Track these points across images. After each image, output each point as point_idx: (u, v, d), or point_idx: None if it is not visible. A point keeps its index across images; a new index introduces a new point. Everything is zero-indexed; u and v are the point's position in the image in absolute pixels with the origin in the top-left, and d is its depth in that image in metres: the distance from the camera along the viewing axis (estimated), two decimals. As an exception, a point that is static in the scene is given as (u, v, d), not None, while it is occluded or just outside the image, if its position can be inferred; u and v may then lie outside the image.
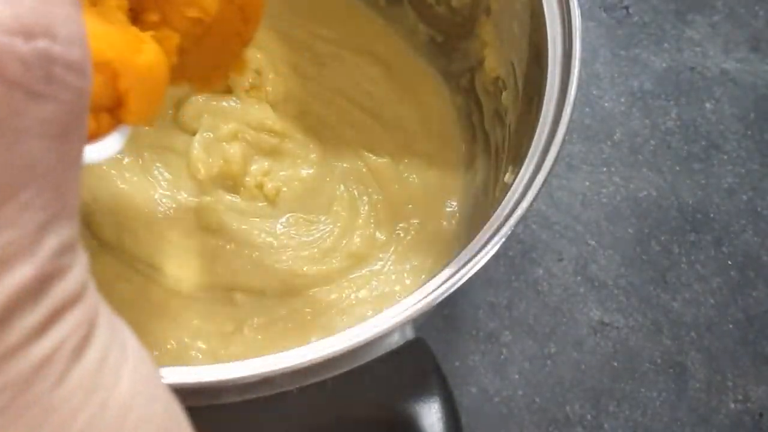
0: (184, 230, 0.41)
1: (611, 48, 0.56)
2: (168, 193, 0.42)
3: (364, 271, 0.42)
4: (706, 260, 0.50)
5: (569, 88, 0.33)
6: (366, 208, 0.44)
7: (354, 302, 0.41)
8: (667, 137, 0.53)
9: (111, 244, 0.41)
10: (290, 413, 0.31)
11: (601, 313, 0.48)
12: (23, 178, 0.14)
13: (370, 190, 0.45)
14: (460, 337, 0.47)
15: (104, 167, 0.43)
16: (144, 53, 0.26)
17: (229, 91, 0.45)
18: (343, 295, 0.41)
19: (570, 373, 0.46)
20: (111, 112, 0.26)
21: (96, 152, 0.25)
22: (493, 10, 0.42)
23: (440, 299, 0.29)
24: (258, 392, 0.30)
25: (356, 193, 0.45)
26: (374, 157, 0.45)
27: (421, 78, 0.48)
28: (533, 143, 0.32)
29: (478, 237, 0.30)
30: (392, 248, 0.43)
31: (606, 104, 0.54)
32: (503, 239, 0.30)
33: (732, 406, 0.46)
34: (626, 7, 0.58)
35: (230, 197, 0.43)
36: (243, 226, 0.42)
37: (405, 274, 0.42)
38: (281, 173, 0.44)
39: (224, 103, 0.44)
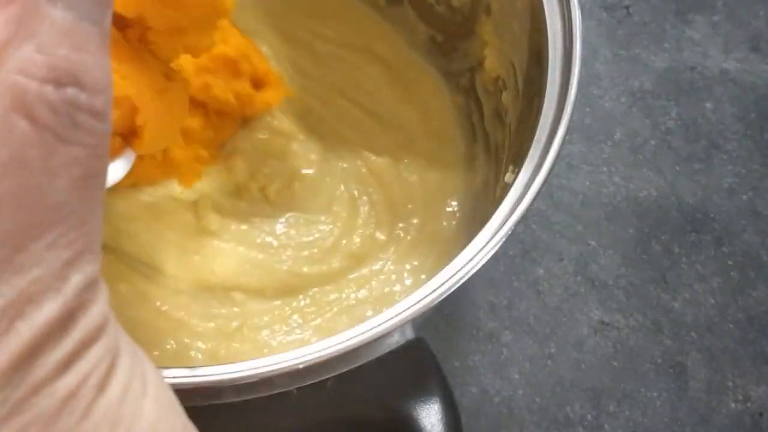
0: (183, 230, 0.41)
1: (611, 48, 0.56)
2: (166, 192, 0.42)
3: (364, 271, 0.42)
4: (707, 260, 0.50)
5: (569, 87, 0.33)
6: (366, 208, 0.44)
7: (354, 302, 0.41)
8: (667, 137, 0.53)
9: (109, 245, 0.41)
10: (290, 413, 0.31)
11: (602, 312, 0.48)
12: (51, 218, 0.15)
13: (370, 190, 0.45)
14: (460, 337, 0.47)
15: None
16: (167, 92, 0.27)
17: None
18: (343, 295, 0.41)
19: (570, 373, 0.46)
20: (124, 137, 0.27)
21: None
22: (493, 10, 0.42)
23: (440, 299, 0.29)
24: (258, 392, 0.30)
25: (356, 193, 0.44)
26: (374, 157, 0.45)
27: (421, 78, 0.47)
28: (533, 143, 0.32)
29: (478, 237, 0.30)
30: (392, 248, 0.43)
31: (606, 104, 0.54)
32: (503, 239, 0.30)
33: (732, 406, 0.46)
34: (626, 7, 0.58)
35: (230, 197, 0.43)
36: (243, 226, 0.42)
37: (405, 274, 0.42)
38: (281, 173, 0.44)
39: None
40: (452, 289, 0.29)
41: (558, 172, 0.51)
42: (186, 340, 0.39)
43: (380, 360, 0.31)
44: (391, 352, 0.31)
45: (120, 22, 0.27)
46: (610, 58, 0.56)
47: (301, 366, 0.27)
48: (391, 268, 0.42)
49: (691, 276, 0.49)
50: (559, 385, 0.46)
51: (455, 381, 0.45)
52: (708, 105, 0.55)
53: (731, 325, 0.48)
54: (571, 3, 0.34)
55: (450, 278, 0.29)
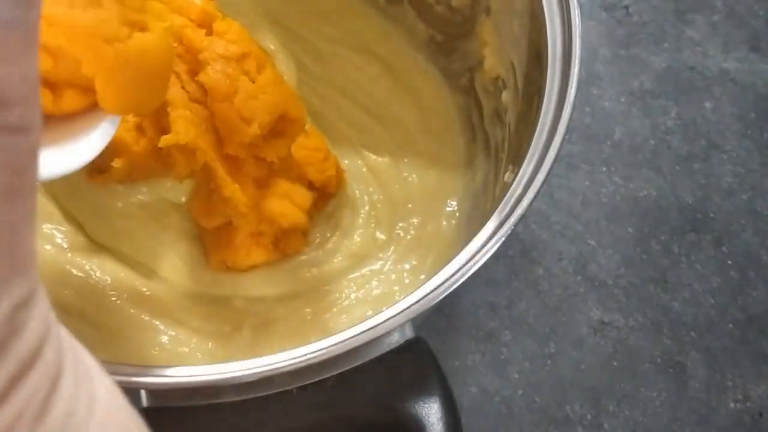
0: (183, 231, 0.41)
1: (611, 48, 0.56)
2: (162, 193, 0.42)
3: (364, 271, 0.42)
4: (706, 260, 0.50)
5: (569, 87, 0.33)
6: (366, 207, 0.44)
7: (354, 302, 0.41)
8: (667, 137, 0.53)
9: (108, 247, 0.41)
10: (290, 413, 0.31)
11: (601, 312, 0.48)
12: None
13: (370, 189, 0.45)
14: (460, 337, 0.47)
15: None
16: (133, 40, 0.24)
17: None
18: (343, 295, 0.41)
19: (570, 372, 0.46)
20: (86, 93, 0.25)
21: (76, 156, 0.24)
22: (493, 10, 0.42)
23: (440, 299, 0.29)
24: (257, 392, 0.30)
25: (356, 193, 0.44)
26: (374, 157, 0.45)
27: (421, 77, 0.47)
28: (533, 143, 0.32)
29: (478, 237, 0.30)
30: (392, 248, 0.43)
31: (606, 104, 0.54)
32: (503, 239, 0.30)
33: (732, 405, 0.46)
34: (626, 7, 0.58)
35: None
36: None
37: (405, 274, 0.42)
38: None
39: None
40: (451, 289, 0.29)
41: (557, 172, 0.51)
42: (185, 340, 0.39)
43: (380, 359, 0.31)
44: (390, 352, 0.31)
45: None
46: (610, 58, 0.56)
47: (301, 366, 0.27)
48: (391, 267, 0.42)
49: (690, 276, 0.49)
50: (559, 385, 0.46)
51: (455, 380, 0.45)
52: (707, 105, 0.55)
53: (731, 325, 0.48)
54: (571, 3, 0.34)
55: (449, 278, 0.29)
